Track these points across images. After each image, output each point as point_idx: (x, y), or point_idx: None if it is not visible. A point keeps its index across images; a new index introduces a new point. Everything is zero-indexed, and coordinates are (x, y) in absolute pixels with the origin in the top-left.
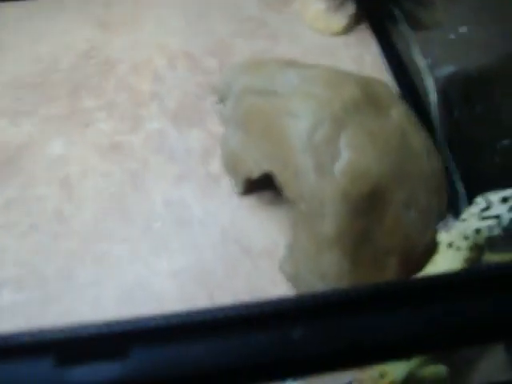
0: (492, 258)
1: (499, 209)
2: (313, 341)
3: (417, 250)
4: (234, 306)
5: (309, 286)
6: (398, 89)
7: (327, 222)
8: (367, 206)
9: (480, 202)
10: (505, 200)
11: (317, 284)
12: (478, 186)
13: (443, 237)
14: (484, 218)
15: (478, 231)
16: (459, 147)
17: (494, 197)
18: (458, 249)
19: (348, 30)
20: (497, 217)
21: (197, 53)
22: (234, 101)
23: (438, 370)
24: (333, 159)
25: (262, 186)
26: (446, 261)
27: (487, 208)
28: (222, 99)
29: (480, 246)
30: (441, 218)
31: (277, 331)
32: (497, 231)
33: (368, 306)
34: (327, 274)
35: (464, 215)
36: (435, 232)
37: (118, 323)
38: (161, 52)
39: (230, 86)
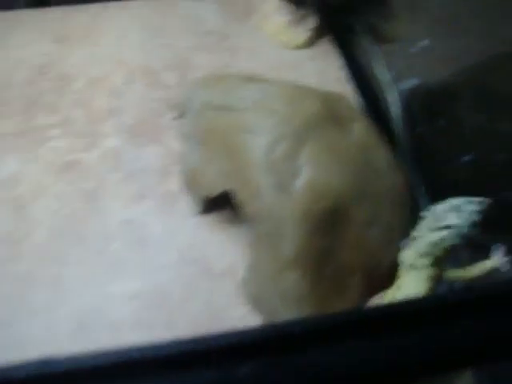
0: (454, 274)
1: (449, 218)
2: (258, 380)
3: (380, 268)
4: (176, 343)
5: (270, 307)
6: (360, 103)
7: (287, 241)
8: (328, 225)
9: (429, 215)
10: (454, 208)
11: (278, 305)
12: (442, 200)
13: (403, 258)
14: (438, 229)
15: (434, 244)
16: (423, 162)
17: (441, 208)
18: (419, 268)
19: (310, 43)
20: (448, 227)
21: (156, 67)
22: (194, 117)
23: None
24: (293, 176)
25: (222, 203)
26: (410, 283)
27: (438, 219)
28: (181, 115)
29: (441, 260)
30: (405, 234)
31: (221, 368)
32: (452, 240)
33: (316, 341)
34: (288, 295)
35: (416, 233)
36: (399, 249)
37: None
38: (119, 67)
39: (189, 101)
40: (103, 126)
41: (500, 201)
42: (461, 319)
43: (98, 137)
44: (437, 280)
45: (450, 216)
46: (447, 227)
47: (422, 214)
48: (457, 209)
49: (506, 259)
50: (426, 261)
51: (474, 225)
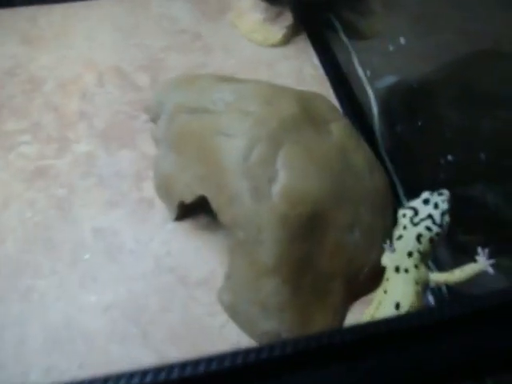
0: (440, 277)
1: (426, 210)
2: None
3: (362, 273)
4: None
5: (248, 316)
6: (338, 101)
7: (265, 249)
8: (307, 230)
9: (405, 213)
10: (426, 201)
11: (256, 315)
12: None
13: (387, 261)
14: (417, 224)
15: (418, 238)
16: (403, 162)
17: (415, 203)
18: (407, 271)
19: (286, 41)
20: (429, 216)
21: (127, 69)
22: (167, 120)
23: None
24: (269, 181)
25: (198, 209)
26: (397, 287)
27: (415, 214)
28: (154, 118)
29: (426, 257)
30: (387, 236)
31: None
32: (435, 229)
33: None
34: (267, 303)
35: (397, 233)
36: (381, 252)
37: None
38: (89, 68)
39: (161, 103)
40: (74, 130)
41: (479, 200)
42: (447, 335)
43: (69, 142)
44: (424, 283)
45: (426, 208)
46: (428, 217)
47: (399, 212)
48: (429, 201)
49: (491, 262)
50: (413, 260)
51: (448, 211)
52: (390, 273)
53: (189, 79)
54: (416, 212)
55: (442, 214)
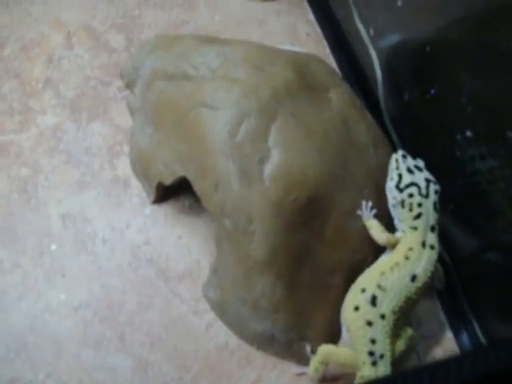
0: None
1: (419, 177)
2: None
3: (367, 263)
4: None
5: (238, 316)
6: (337, 65)
7: (257, 240)
8: (304, 218)
9: (411, 192)
10: (409, 170)
11: (247, 314)
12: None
13: (412, 237)
14: (427, 194)
15: (435, 207)
16: (411, 135)
17: (407, 179)
18: (432, 247)
19: None
20: (426, 180)
21: (99, 28)
22: (143, 87)
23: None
24: (261, 161)
25: (179, 190)
26: (420, 261)
27: (418, 187)
28: (129, 85)
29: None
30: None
31: None
32: (437, 187)
33: None
34: (259, 302)
35: (413, 213)
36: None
37: None
38: (56, 28)
39: (137, 68)
40: (39, 100)
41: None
42: None
43: (32, 113)
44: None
45: (417, 174)
46: (427, 181)
47: (403, 195)
48: (410, 168)
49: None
50: (435, 236)
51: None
52: (414, 243)
53: (168, 40)
54: (416, 185)
55: (426, 169)
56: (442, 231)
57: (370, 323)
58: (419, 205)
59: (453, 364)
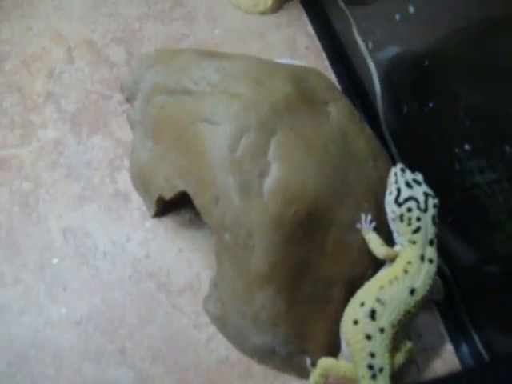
0: None
1: (418, 191)
2: None
3: (366, 276)
4: None
5: (238, 329)
6: (336, 78)
7: (256, 254)
8: (304, 232)
9: (409, 207)
10: (408, 184)
11: (247, 328)
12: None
13: (411, 250)
14: (426, 208)
15: (433, 220)
16: (410, 147)
17: (405, 193)
18: (431, 261)
19: (277, 7)
20: (425, 194)
21: (100, 42)
22: (143, 101)
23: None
24: (261, 176)
25: (180, 204)
26: (419, 275)
27: (416, 201)
28: (129, 98)
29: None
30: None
31: None
32: (436, 201)
33: None
34: (259, 315)
35: (411, 228)
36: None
37: None
38: (57, 42)
39: (137, 82)
40: (40, 114)
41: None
42: None
43: (34, 127)
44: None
45: (416, 188)
46: (425, 195)
47: (402, 209)
48: (409, 182)
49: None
50: (434, 249)
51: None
52: (413, 257)
53: (168, 54)
54: (415, 199)
55: (425, 183)
56: (442, 243)
57: (369, 337)
58: (418, 219)
59: (452, 381)
